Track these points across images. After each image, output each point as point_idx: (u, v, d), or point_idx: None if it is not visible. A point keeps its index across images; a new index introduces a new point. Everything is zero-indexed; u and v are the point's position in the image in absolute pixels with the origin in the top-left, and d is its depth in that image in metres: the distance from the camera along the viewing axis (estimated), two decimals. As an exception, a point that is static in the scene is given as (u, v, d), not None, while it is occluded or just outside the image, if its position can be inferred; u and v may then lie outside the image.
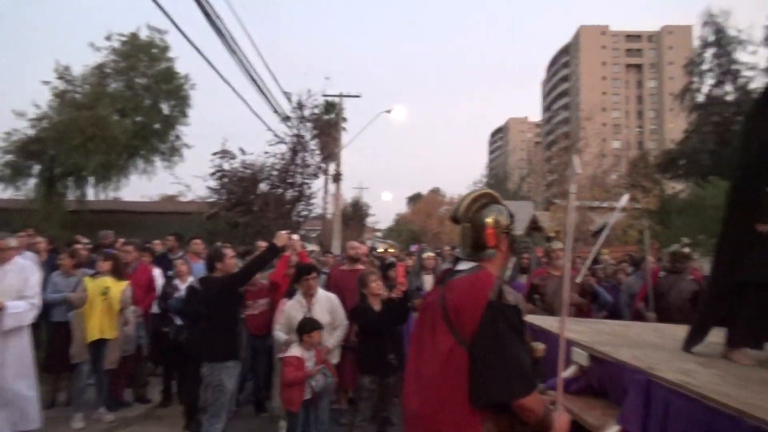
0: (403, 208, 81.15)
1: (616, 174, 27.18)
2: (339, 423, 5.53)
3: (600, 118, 59.26)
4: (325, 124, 21.67)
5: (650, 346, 3.83)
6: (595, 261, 11.23)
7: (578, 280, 5.84)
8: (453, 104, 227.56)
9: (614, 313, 6.70)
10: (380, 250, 24.11)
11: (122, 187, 21.89)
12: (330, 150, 22.04)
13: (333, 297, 5.25)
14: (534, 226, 27.62)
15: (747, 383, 2.74)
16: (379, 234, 58.97)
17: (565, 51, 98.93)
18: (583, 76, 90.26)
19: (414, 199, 78.07)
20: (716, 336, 3.59)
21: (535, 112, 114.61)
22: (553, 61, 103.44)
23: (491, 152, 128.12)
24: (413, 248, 16.62)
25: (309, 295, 5.08)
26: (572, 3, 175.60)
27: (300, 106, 16.74)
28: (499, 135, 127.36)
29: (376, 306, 4.74)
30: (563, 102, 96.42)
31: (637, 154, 38.11)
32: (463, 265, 2.20)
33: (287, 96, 16.73)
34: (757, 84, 27.91)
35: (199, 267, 6.56)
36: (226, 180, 15.28)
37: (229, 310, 4.76)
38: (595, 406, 3.28)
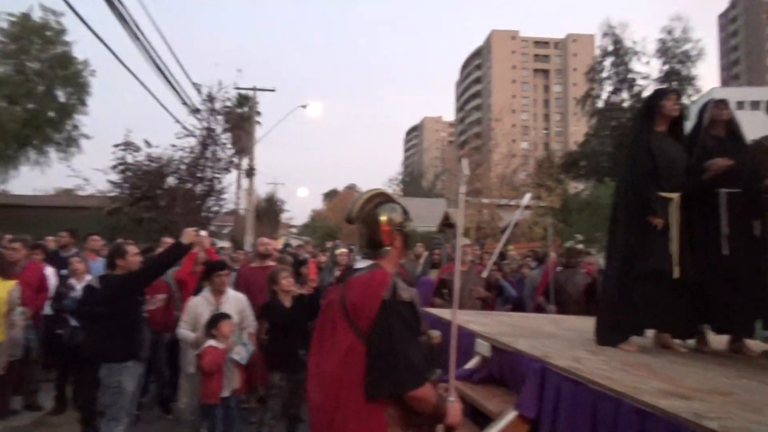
0: (319, 204, 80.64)
1: (524, 173, 28.48)
2: (249, 422, 5.43)
3: (510, 119, 61.77)
4: (238, 118, 21.10)
5: (548, 336, 4.07)
6: (503, 256, 11.73)
7: (484, 275, 6.08)
8: (370, 102, 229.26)
9: (519, 306, 7.04)
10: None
11: (11, 180, 20.20)
12: (243, 144, 21.50)
13: (242, 298, 5.14)
14: (446, 223, 28.39)
15: (629, 368, 2.97)
16: (294, 230, 58.31)
17: (477, 54, 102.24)
18: (494, 79, 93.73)
19: (330, 196, 77.72)
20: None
21: (449, 112, 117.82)
22: (467, 63, 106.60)
23: (407, 150, 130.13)
24: (329, 244, 16.59)
25: (219, 292, 4.94)
26: (485, 6, 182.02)
27: (210, 98, 16.17)
28: (414, 133, 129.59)
29: (287, 303, 4.70)
30: (476, 103, 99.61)
31: (543, 154, 40.17)
32: (361, 264, 2.28)
33: (197, 87, 16.09)
34: (649, 92, 30.22)
35: (98, 265, 6.19)
36: (129, 173, 14.49)
37: (130, 310, 4.52)
38: (496, 393, 3.44)
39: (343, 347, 2.06)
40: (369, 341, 2.03)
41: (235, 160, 18.65)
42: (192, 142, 15.58)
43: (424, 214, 37.49)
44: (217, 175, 15.78)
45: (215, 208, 16.47)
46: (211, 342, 4.55)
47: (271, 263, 5.93)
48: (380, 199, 2.31)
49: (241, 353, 4.63)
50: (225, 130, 16.47)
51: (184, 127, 15.53)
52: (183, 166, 15.18)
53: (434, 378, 2.18)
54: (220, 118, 16.31)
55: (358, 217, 2.27)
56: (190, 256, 5.52)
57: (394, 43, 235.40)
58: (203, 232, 5.37)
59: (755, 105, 44.25)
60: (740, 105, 40.74)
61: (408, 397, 2.00)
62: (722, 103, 3.86)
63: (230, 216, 25.62)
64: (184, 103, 15.25)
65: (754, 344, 4.17)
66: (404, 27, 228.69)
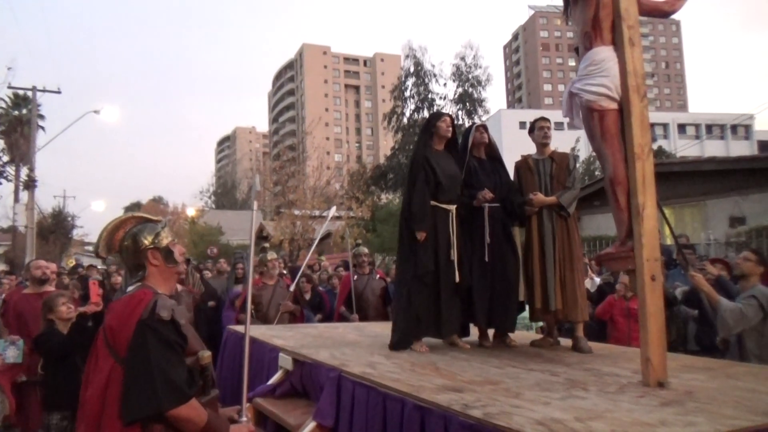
0: (119, 218, 73.34)
1: (338, 185, 29.21)
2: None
3: (323, 132, 62.96)
4: (15, 121, 18.39)
5: (349, 344, 4.20)
6: (316, 267, 11.84)
7: (292, 288, 6.09)
8: (176, 109, 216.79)
9: (332, 316, 7.15)
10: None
11: None
12: (22, 151, 18.78)
13: None
14: (261, 236, 27.88)
15: (417, 368, 3.20)
16: (90, 248, 52.55)
17: (290, 66, 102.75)
18: (307, 92, 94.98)
19: (132, 209, 71.39)
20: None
21: (262, 123, 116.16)
22: (279, 75, 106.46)
23: (219, 161, 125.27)
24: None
25: None
26: (296, 19, 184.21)
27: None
28: (226, 143, 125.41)
29: (66, 332, 4.17)
30: (290, 115, 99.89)
31: (355, 167, 41.77)
32: (131, 288, 2.23)
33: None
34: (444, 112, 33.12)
35: None
36: None
37: None
38: (297, 406, 3.45)
39: (104, 374, 1.98)
40: (126, 363, 1.96)
41: (10, 169, 16.19)
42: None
43: (239, 227, 36.39)
44: (-17, 188, 13.55)
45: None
46: None
47: (49, 289, 5.20)
48: (130, 224, 2.27)
49: (13, 353, 4.22)
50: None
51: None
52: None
53: (210, 398, 2.12)
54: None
55: (108, 250, 2.24)
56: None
57: (200, 48, 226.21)
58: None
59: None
60: (522, 125, 46.76)
61: (171, 417, 1.93)
62: (482, 128, 4.42)
63: (7, 234, 22.18)
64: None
65: (526, 335, 4.80)
66: (212, 33, 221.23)
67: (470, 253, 4.06)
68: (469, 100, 36.20)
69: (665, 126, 55.98)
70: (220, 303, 7.48)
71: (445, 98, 36.44)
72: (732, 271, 5.13)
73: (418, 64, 36.65)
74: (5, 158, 15.63)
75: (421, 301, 3.92)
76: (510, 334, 4.28)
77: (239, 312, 5.97)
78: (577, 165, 4.47)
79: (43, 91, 19.56)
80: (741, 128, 54.65)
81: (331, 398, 3.01)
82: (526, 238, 4.24)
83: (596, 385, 2.75)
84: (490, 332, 4.29)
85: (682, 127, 56.84)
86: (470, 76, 36.46)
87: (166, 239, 2.23)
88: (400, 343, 3.91)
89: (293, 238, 20.65)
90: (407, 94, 37.26)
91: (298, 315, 6.19)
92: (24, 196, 19.79)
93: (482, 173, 4.20)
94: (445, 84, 36.55)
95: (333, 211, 6.50)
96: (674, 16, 3.52)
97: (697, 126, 56.81)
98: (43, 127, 24.22)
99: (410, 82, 37.16)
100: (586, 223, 13.77)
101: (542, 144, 4.33)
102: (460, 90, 36.37)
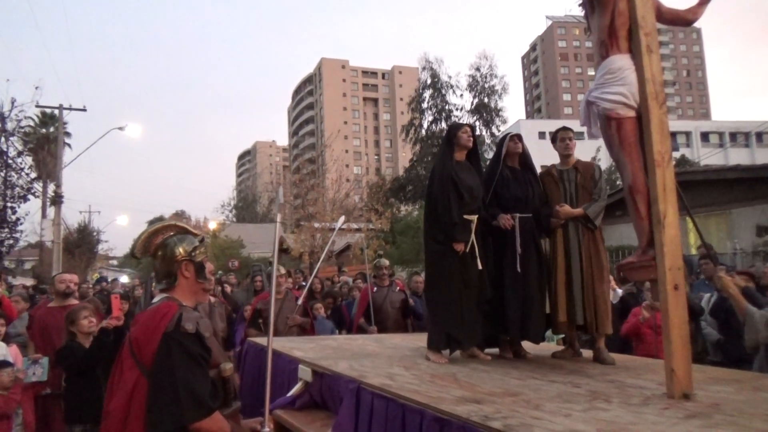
0: (142, 233, 74.48)
1: (357, 197, 29.28)
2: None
3: (342, 145, 63.34)
4: (42, 139, 18.83)
5: (368, 355, 4.19)
6: (336, 279, 11.84)
7: (300, 301, 6.07)
8: (198, 125, 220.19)
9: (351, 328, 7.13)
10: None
11: None
12: (49, 168, 19.20)
13: (3, 345, 4.59)
14: (281, 249, 27.99)
15: (436, 379, 3.17)
16: (114, 262, 53.48)
17: (309, 80, 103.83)
18: (326, 106, 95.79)
19: (155, 223, 72.35)
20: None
21: (282, 136, 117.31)
22: (298, 89, 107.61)
23: (239, 175, 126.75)
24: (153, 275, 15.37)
25: None
26: (316, 35, 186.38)
27: (1, 116, 14.22)
28: (247, 158, 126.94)
29: (88, 345, 4.23)
30: (309, 128, 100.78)
31: (374, 179, 41.87)
32: (156, 298, 2.26)
33: (-20, 105, 14.05)
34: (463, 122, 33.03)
35: None
36: None
37: None
38: (317, 418, 3.45)
39: (129, 385, 2.00)
40: (150, 375, 1.99)
41: (38, 186, 16.57)
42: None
43: (259, 240, 36.63)
44: (11, 204, 13.86)
45: (9, 242, 14.41)
46: None
47: (74, 302, 5.28)
48: (170, 231, 2.30)
49: (36, 372, 4.25)
50: (20, 153, 14.56)
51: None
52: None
53: (232, 410, 2.13)
54: (14, 139, 14.42)
55: (143, 252, 2.26)
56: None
57: (221, 65, 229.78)
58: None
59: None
60: (542, 135, 46.40)
61: (194, 429, 1.96)
62: (517, 137, 4.37)
63: (35, 249, 22.63)
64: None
65: (547, 346, 4.74)
66: (232, 49, 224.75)
67: (501, 263, 4.03)
68: (486, 110, 36.13)
69: (688, 134, 55.08)
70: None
71: (462, 109, 36.46)
72: (758, 282, 5.02)
73: (434, 76, 36.74)
74: (33, 175, 16.00)
75: (445, 309, 3.92)
76: (526, 345, 4.26)
77: (248, 326, 5.99)
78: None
79: (69, 109, 20.00)
80: (766, 136, 53.56)
81: (350, 410, 2.99)
82: (551, 249, 4.15)
83: (619, 397, 2.70)
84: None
85: (705, 136, 55.84)
86: (486, 86, 36.41)
87: (201, 255, 2.27)
88: (441, 342, 3.94)
89: (313, 251, 20.71)
90: (425, 105, 37.34)
91: (308, 328, 6.12)
92: (51, 212, 20.21)
93: (515, 183, 4.15)
94: (461, 95, 36.57)
95: (341, 222, 6.47)
96: (695, 24, 3.49)
97: (720, 134, 55.80)
98: (69, 144, 24.85)
99: (427, 94, 37.24)
100: (608, 233, 13.53)
101: (565, 155, 4.28)
102: (476, 100, 36.32)
